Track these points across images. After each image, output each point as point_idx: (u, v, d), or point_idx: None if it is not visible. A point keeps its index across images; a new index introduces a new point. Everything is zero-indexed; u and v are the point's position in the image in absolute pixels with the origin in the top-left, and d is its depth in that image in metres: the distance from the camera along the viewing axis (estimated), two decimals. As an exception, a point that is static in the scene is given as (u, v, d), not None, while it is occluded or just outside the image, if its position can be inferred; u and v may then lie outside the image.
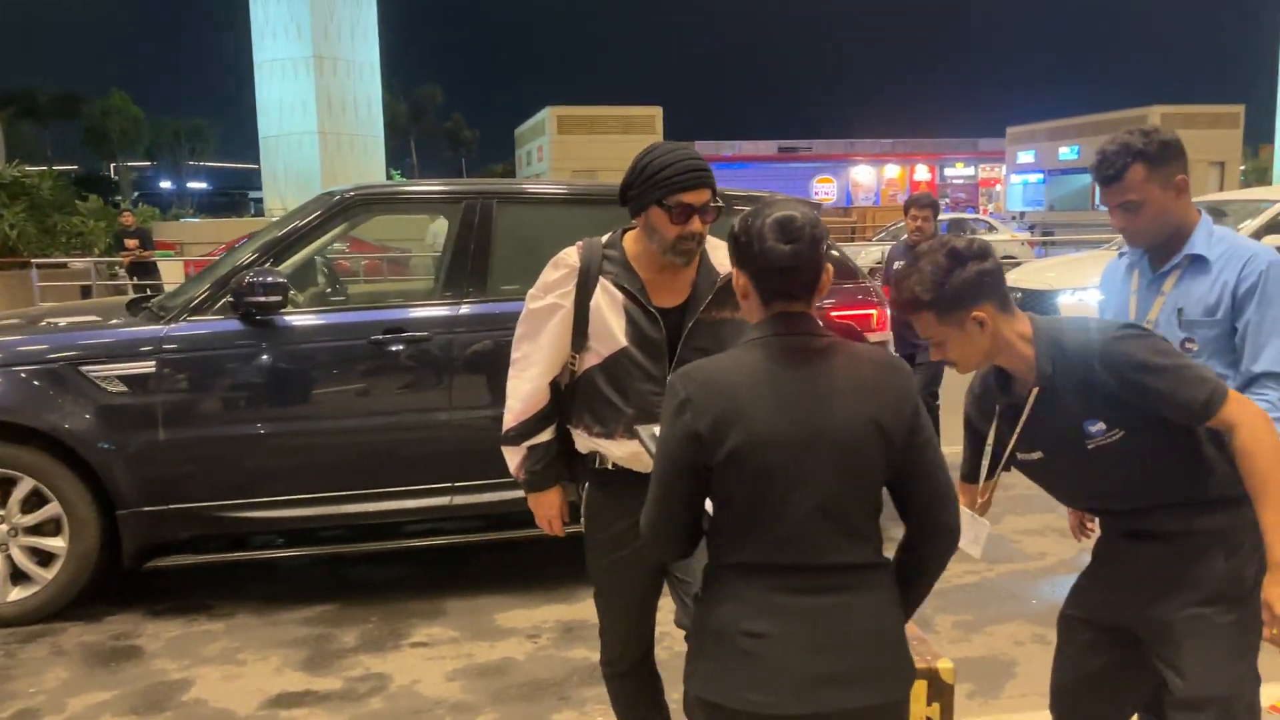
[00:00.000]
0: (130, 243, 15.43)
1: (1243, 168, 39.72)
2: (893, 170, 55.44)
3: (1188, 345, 2.39)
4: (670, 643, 3.38)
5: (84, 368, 4.09)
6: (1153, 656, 2.11)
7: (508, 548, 4.96)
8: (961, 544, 2.16)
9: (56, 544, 4.13)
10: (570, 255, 2.43)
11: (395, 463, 4.31)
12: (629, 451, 2.36)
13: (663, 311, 2.37)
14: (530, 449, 2.50)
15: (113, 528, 4.13)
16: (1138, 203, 2.34)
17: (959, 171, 55.76)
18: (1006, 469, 2.23)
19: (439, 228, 11.61)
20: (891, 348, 5.36)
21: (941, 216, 6.40)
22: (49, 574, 4.14)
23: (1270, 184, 27.68)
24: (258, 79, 20.40)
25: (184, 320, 4.21)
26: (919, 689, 2.30)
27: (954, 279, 1.95)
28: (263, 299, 4.13)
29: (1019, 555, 4.86)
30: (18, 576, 4.18)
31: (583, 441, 2.47)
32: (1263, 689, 2.16)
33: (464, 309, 4.34)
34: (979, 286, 1.97)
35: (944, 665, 2.37)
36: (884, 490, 1.79)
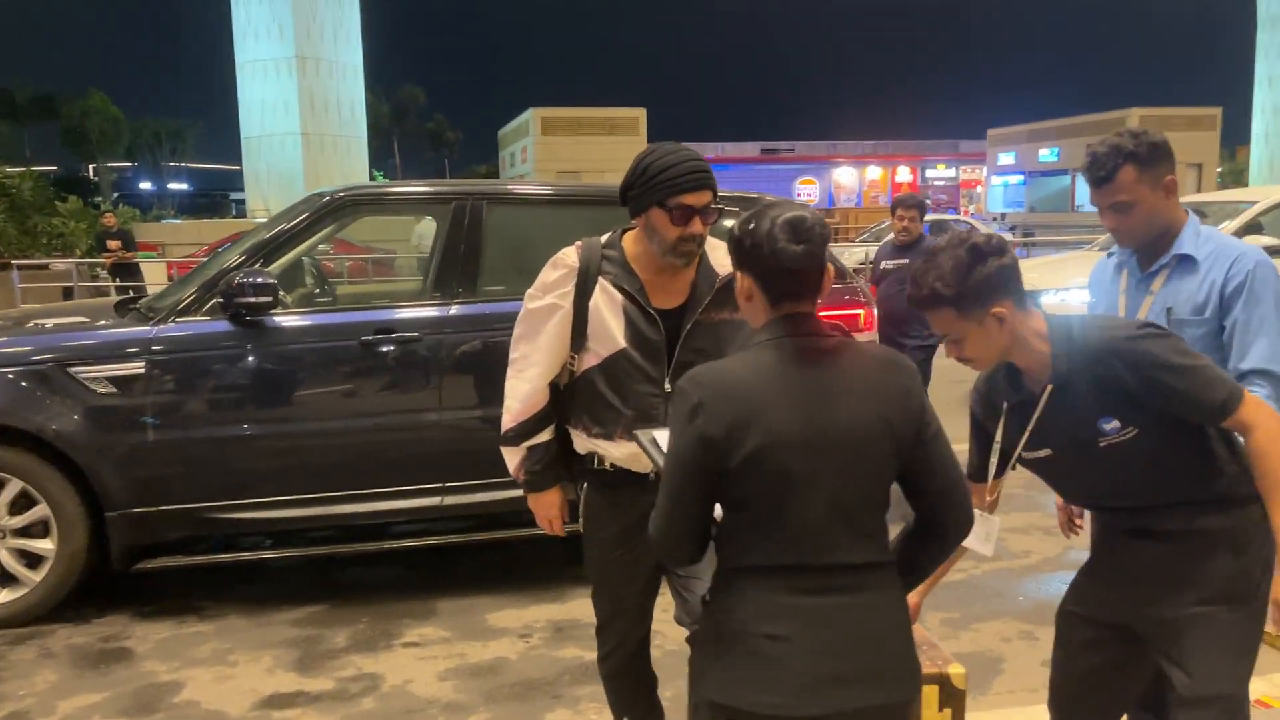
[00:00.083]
0: (113, 244, 15.32)
1: (1219, 169, 40.04)
2: (875, 172, 55.59)
3: None
4: (661, 640, 3.40)
5: (72, 369, 4.07)
6: (1157, 654, 2.12)
7: (498, 548, 4.97)
8: (974, 544, 2.17)
9: (45, 546, 4.10)
10: (569, 255, 2.43)
11: (386, 463, 4.31)
12: (627, 452, 2.37)
13: (662, 313, 2.37)
14: (530, 449, 2.50)
15: (101, 529, 4.12)
16: (1129, 203, 2.38)
17: (940, 173, 55.96)
18: (1012, 467, 2.24)
19: (424, 228, 11.62)
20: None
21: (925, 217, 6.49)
22: (37, 576, 4.12)
23: (1247, 185, 27.94)
24: (239, 79, 20.32)
25: (173, 321, 4.20)
26: (930, 694, 2.28)
27: (975, 274, 1.95)
28: (253, 300, 4.12)
29: (1005, 553, 4.90)
30: (6, 579, 4.15)
31: (581, 442, 2.47)
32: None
33: (454, 309, 4.34)
34: (999, 282, 1.96)
35: (955, 670, 2.35)
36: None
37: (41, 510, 4.08)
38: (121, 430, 4.08)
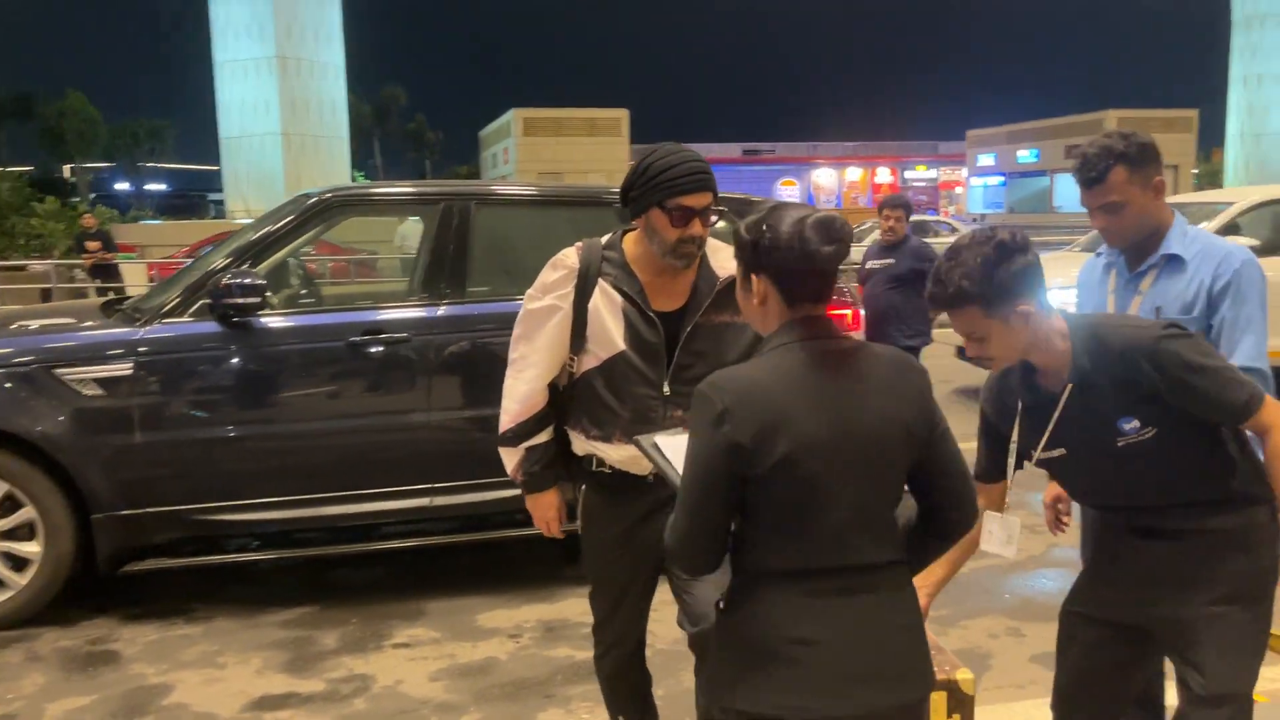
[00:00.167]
0: (92, 245, 15.19)
1: (1195, 171, 40.42)
2: (855, 173, 55.80)
3: None
4: (653, 640, 3.40)
5: (58, 370, 4.05)
6: (1169, 654, 2.13)
7: (488, 548, 4.97)
8: (995, 547, 2.17)
9: (31, 549, 4.07)
10: (569, 256, 2.42)
11: (375, 464, 4.30)
12: (626, 455, 2.36)
13: (661, 315, 2.37)
14: (528, 450, 2.50)
15: (88, 532, 4.09)
16: (1120, 204, 2.41)
17: (920, 174, 56.23)
18: (1019, 466, 2.23)
19: (408, 229, 11.58)
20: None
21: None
22: (23, 579, 4.09)
23: (1223, 187, 28.21)
24: (218, 79, 20.12)
25: (160, 322, 4.18)
26: (939, 700, 2.27)
27: (1002, 271, 1.92)
28: (240, 301, 4.11)
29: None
30: (-9, 582, 4.12)
31: (580, 444, 2.47)
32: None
33: (442, 310, 4.34)
34: (1025, 279, 1.94)
35: (963, 676, 2.33)
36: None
37: (27, 513, 4.05)
38: (108, 432, 4.05)
